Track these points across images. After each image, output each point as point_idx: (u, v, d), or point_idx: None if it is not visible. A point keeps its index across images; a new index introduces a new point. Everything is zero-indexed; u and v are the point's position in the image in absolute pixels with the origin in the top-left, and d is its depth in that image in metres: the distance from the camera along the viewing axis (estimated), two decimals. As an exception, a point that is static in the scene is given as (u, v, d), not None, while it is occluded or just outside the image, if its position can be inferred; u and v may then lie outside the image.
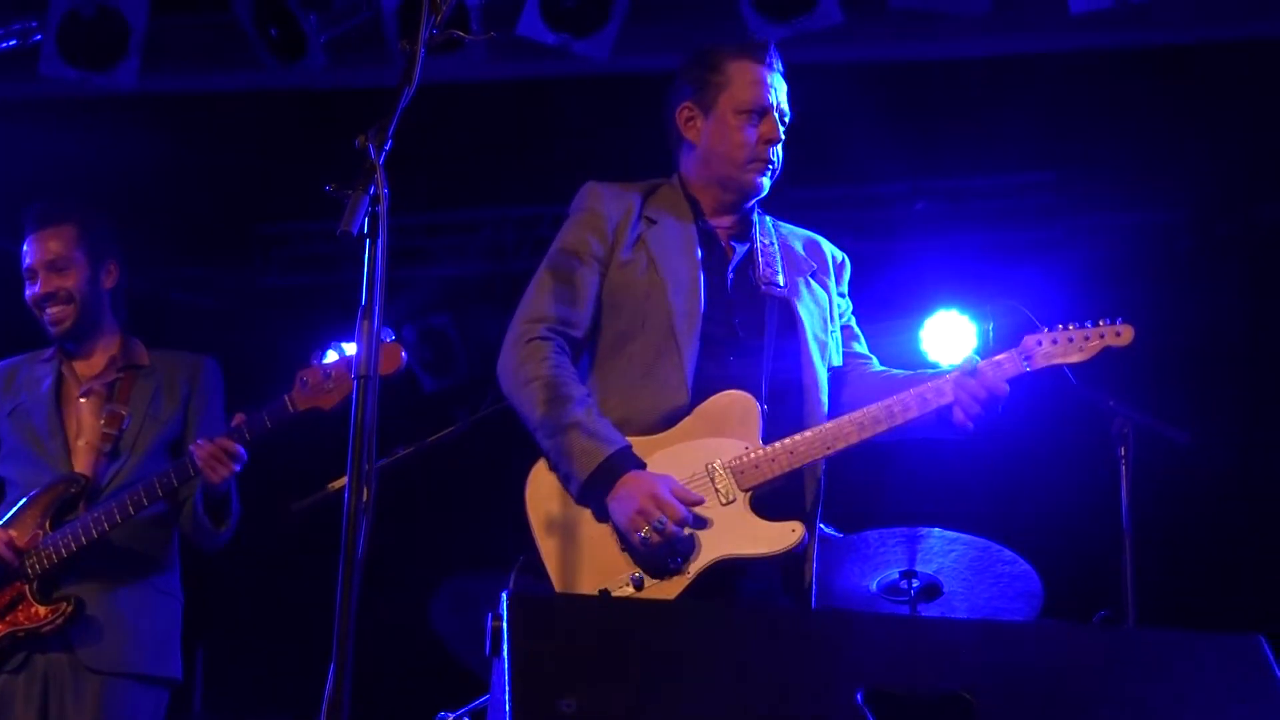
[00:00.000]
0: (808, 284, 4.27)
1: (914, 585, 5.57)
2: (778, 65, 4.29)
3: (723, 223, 4.31)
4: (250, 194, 8.33)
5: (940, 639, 2.66)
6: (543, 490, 4.04)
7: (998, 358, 4.09)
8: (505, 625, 2.55)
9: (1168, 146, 7.61)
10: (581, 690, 2.44)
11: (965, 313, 7.27)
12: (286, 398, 4.77)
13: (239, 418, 4.81)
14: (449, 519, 7.67)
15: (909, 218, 7.90)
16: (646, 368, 4.08)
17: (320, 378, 4.75)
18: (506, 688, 2.48)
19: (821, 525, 4.25)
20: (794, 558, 3.95)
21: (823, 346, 4.22)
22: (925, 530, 5.43)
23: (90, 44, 6.83)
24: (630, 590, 3.83)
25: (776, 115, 4.23)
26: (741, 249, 4.28)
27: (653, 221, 4.24)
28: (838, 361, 4.29)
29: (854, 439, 3.98)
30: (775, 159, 4.24)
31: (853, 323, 4.42)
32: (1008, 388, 4.02)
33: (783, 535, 3.88)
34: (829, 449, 3.97)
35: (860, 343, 4.40)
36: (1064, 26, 6.62)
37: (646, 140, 7.67)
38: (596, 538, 3.95)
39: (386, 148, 3.29)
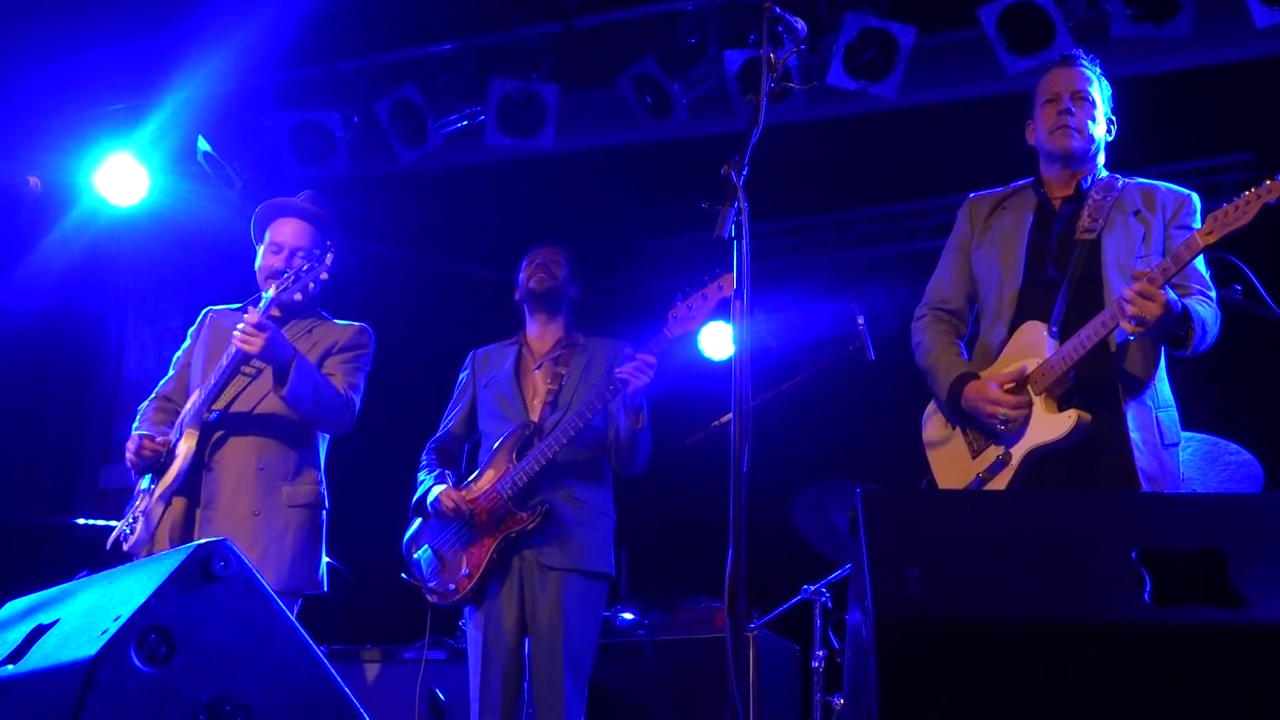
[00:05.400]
0: (1126, 220, 4.03)
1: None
2: (1073, 64, 4.18)
3: (1059, 193, 4.16)
4: (637, 218, 8.46)
5: (1196, 508, 2.59)
6: (929, 423, 4.20)
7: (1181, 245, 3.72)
8: (860, 513, 2.57)
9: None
10: (922, 560, 2.45)
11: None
12: (664, 330, 4.84)
13: (628, 350, 4.95)
14: (802, 443, 7.70)
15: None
16: (990, 318, 4.10)
17: (685, 310, 4.81)
18: (864, 558, 2.50)
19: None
20: (1106, 443, 3.83)
21: (1127, 270, 3.90)
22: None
23: (519, 119, 7.00)
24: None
25: (1068, 95, 4.10)
26: (1070, 208, 4.11)
27: (1004, 209, 4.19)
28: None
29: (1110, 325, 3.76)
30: (1071, 122, 4.07)
31: (1173, 250, 3.91)
32: (1161, 295, 3.61)
33: (1061, 422, 3.80)
34: (1094, 338, 3.77)
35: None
36: (1252, 38, 6.28)
37: (929, 159, 7.60)
38: (956, 451, 4.02)
39: (744, 173, 3.34)
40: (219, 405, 4.78)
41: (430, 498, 5.06)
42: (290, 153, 7.37)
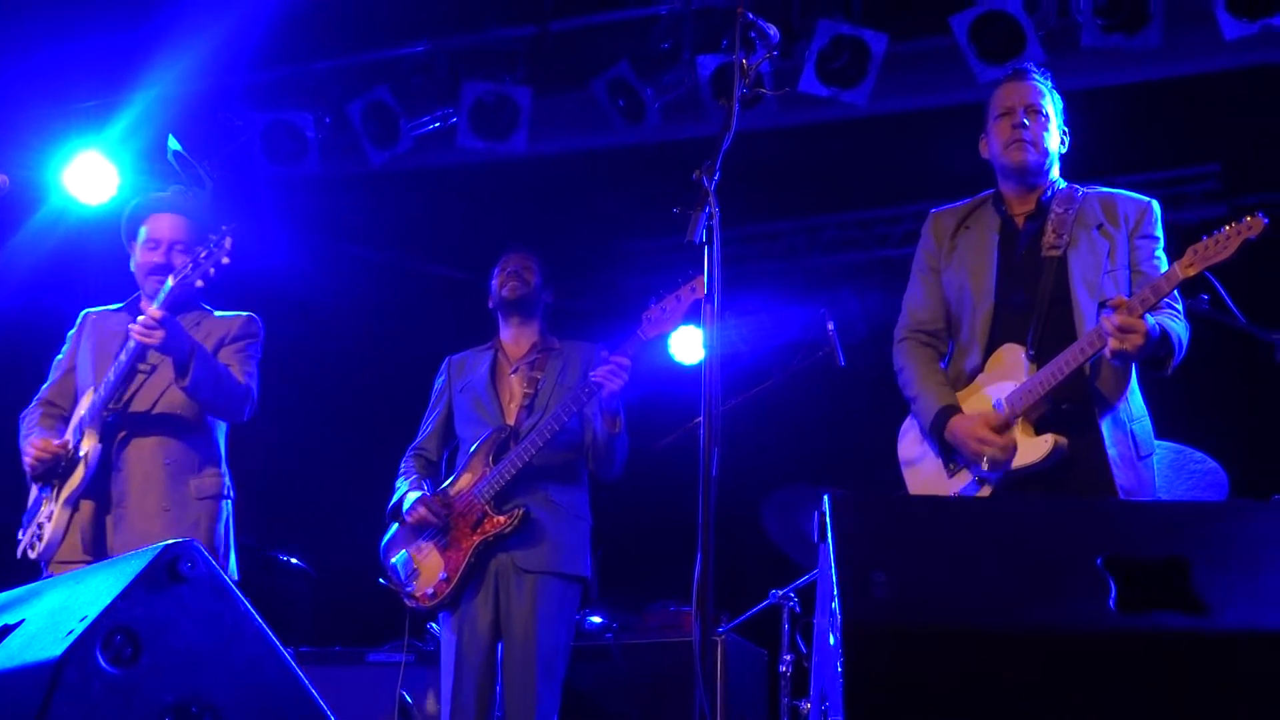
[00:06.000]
0: (1090, 235, 4.01)
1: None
2: (1025, 78, 4.16)
3: (1020, 209, 4.14)
4: (609, 221, 8.45)
5: (1162, 516, 2.61)
6: (905, 439, 4.20)
7: (1151, 283, 3.73)
8: (829, 517, 2.57)
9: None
10: (890, 565, 2.46)
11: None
12: (637, 331, 4.87)
13: (603, 352, 4.94)
14: (771, 448, 7.70)
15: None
16: (964, 342, 4.08)
17: (659, 313, 4.84)
18: (831, 563, 2.51)
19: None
20: (1083, 461, 3.85)
21: (1095, 287, 3.95)
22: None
23: (492, 122, 7.01)
24: None
25: (1022, 108, 4.08)
26: (1034, 225, 4.09)
27: (968, 228, 4.17)
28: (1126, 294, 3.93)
29: (1088, 353, 3.78)
30: (1026, 136, 4.06)
31: (1139, 260, 4.03)
32: (1142, 325, 3.65)
33: (1039, 446, 3.82)
34: (1072, 364, 3.79)
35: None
36: (1220, 50, 6.31)
37: (900, 166, 7.63)
38: (932, 470, 4.04)
39: (716, 178, 3.34)
40: (115, 405, 4.74)
41: (405, 506, 5.07)
42: (261, 152, 7.34)
